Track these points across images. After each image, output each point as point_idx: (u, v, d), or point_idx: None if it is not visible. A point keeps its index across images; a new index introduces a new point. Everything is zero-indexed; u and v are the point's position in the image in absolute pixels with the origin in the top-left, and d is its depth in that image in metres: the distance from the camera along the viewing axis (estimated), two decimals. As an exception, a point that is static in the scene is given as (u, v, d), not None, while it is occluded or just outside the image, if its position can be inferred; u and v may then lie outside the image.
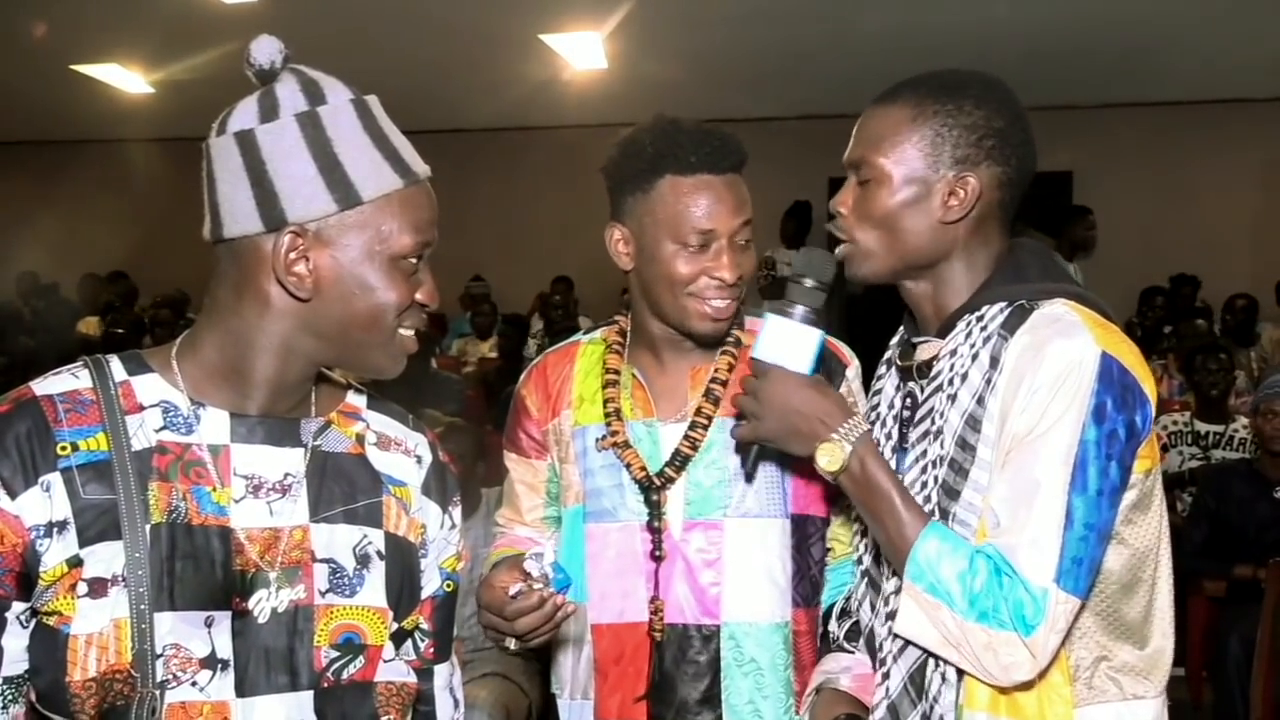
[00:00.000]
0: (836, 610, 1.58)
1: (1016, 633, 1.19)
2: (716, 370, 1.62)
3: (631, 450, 1.61)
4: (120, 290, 8.37)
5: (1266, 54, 6.76)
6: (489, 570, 1.51)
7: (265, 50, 1.09)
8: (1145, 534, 1.30)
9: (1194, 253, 7.46)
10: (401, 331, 1.14)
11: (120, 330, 6.18)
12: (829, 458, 1.31)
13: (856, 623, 1.51)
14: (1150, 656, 1.31)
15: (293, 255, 1.07)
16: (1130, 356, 1.26)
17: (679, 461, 1.60)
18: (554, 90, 7.81)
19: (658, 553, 1.60)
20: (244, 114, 1.09)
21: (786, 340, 1.36)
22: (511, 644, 1.38)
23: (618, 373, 1.67)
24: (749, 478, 1.59)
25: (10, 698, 1.04)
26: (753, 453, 1.47)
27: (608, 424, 1.63)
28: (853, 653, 1.50)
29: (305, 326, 1.11)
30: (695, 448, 1.59)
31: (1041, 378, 1.22)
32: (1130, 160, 7.91)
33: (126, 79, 7.89)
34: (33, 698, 1.05)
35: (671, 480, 1.60)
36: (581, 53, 7.09)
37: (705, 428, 1.60)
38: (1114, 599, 1.29)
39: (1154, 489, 1.31)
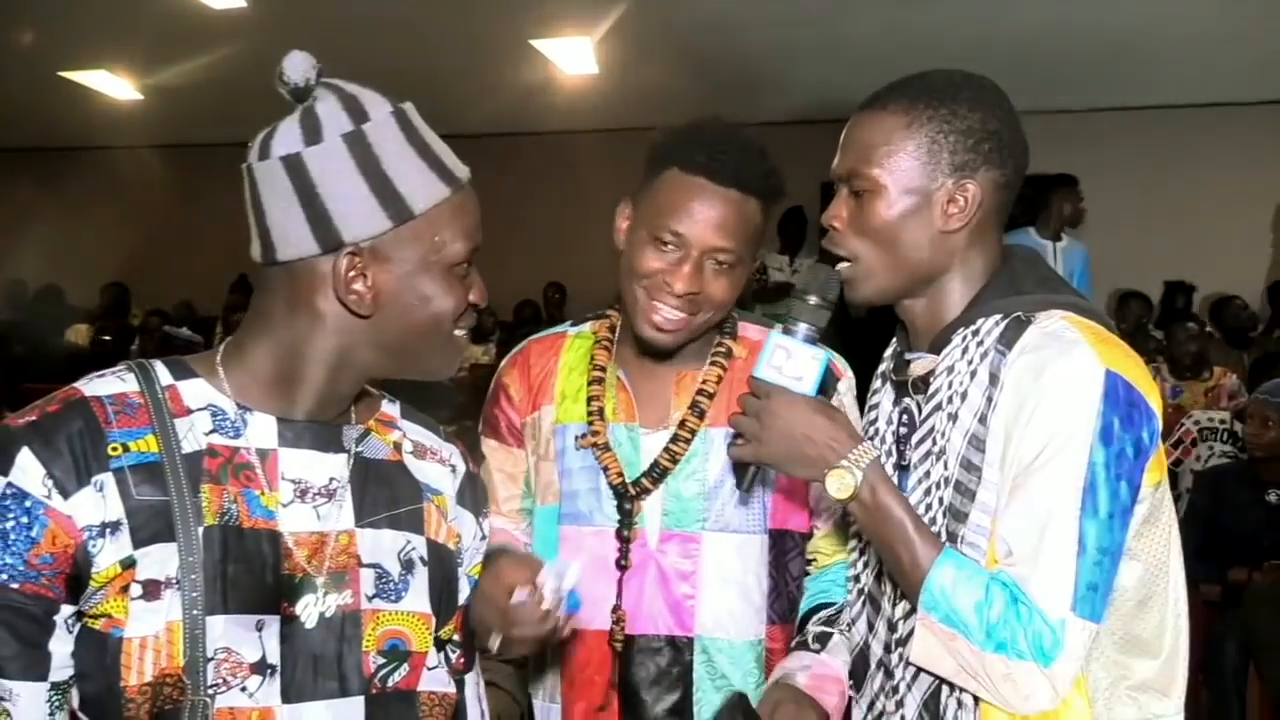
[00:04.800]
0: (815, 620, 1.53)
1: (1035, 663, 1.16)
2: (705, 382, 1.57)
3: (610, 454, 1.57)
4: (110, 298, 8.33)
5: (1257, 57, 6.77)
6: (491, 556, 1.37)
7: (298, 67, 1.08)
8: (1156, 546, 1.27)
9: (1188, 256, 7.44)
10: (456, 333, 1.15)
11: (108, 338, 6.14)
12: (839, 485, 1.25)
13: (828, 633, 1.49)
14: (1167, 665, 1.28)
15: (352, 274, 1.08)
16: (1135, 370, 1.23)
17: (657, 473, 1.55)
18: (545, 95, 7.79)
19: (623, 561, 1.56)
20: (287, 137, 1.07)
21: (790, 360, 1.30)
22: (494, 645, 1.26)
23: (604, 369, 1.61)
24: (744, 500, 1.54)
25: (57, 704, 1.02)
26: (749, 473, 1.41)
27: (590, 423, 1.58)
28: (817, 652, 1.48)
29: (365, 341, 1.11)
30: (675, 461, 1.55)
31: (1045, 400, 1.19)
32: (1123, 164, 7.89)
33: (115, 85, 7.83)
34: (75, 704, 1.04)
35: (647, 491, 1.55)
36: (573, 58, 7.07)
37: (688, 441, 1.55)
38: (1129, 617, 1.26)
39: (1163, 500, 1.28)
